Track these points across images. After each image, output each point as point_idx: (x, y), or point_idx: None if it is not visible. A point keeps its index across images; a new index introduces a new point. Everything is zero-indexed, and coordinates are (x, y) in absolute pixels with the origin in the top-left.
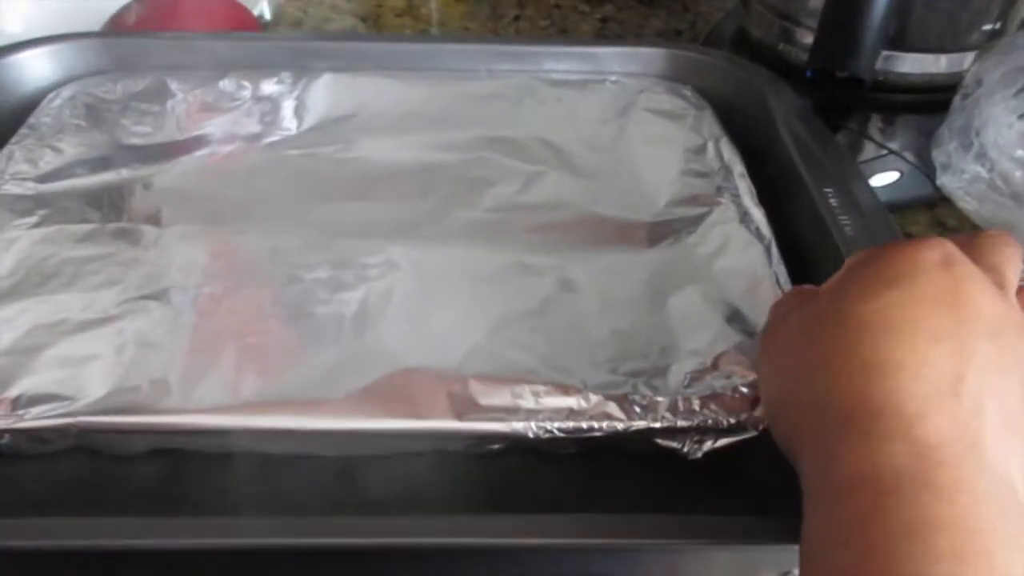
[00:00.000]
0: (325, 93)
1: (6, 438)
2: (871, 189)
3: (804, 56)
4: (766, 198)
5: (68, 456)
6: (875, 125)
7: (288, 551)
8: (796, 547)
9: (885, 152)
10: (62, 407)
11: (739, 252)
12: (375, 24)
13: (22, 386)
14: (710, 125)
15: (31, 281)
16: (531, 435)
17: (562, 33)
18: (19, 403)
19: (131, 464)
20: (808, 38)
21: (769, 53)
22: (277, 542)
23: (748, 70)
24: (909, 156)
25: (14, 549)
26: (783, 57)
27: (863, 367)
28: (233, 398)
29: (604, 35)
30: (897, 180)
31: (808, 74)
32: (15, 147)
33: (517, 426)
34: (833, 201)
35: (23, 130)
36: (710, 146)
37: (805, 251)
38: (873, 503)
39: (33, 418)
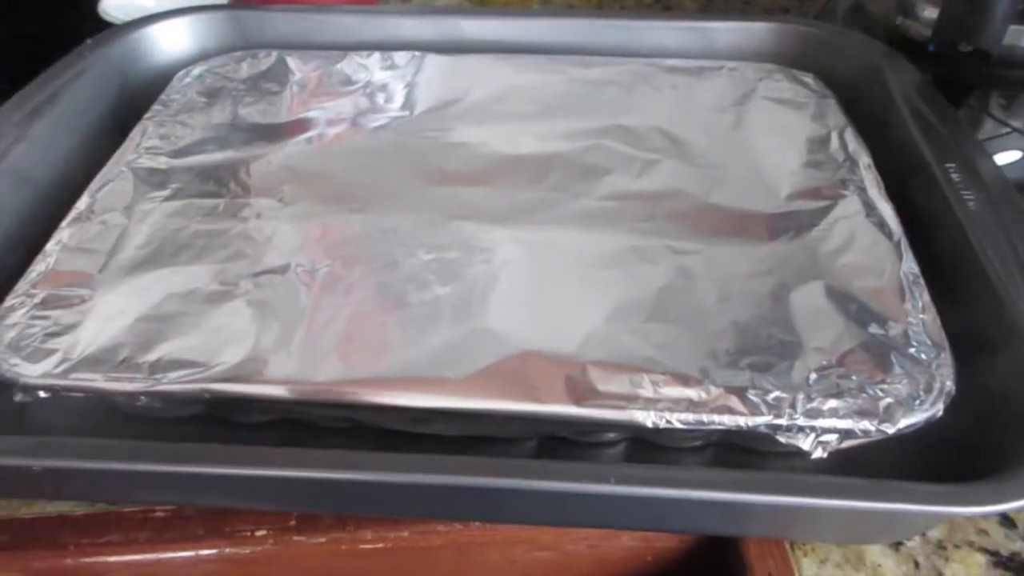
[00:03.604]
0: (438, 76)
1: (143, 400)
2: (995, 164)
3: (923, 30)
4: (883, 173)
5: (192, 422)
6: (996, 102)
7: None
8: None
9: (1007, 131)
10: (197, 373)
11: (866, 248)
12: (482, 0)
13: (160, 351)
14: (835, 114)
15: (165, 252)
16: (650, 424)
17: (667, 10)
18: (157, 367)
19: (251, 431)
20: (928, 11)
21: (885, 27)
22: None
23: (865, 44)
24: None
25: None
26: (901, 31)
27: None
28: (358, 373)
29: (710, 11)
30: (1019, 160)
31: (931, 47)
32: (149, 122)
33: (637, 415)
34: (955, 176)
35: (156, 106)
36: (834, 136)
37: (926, 228)
38: None
39: (170, 382)
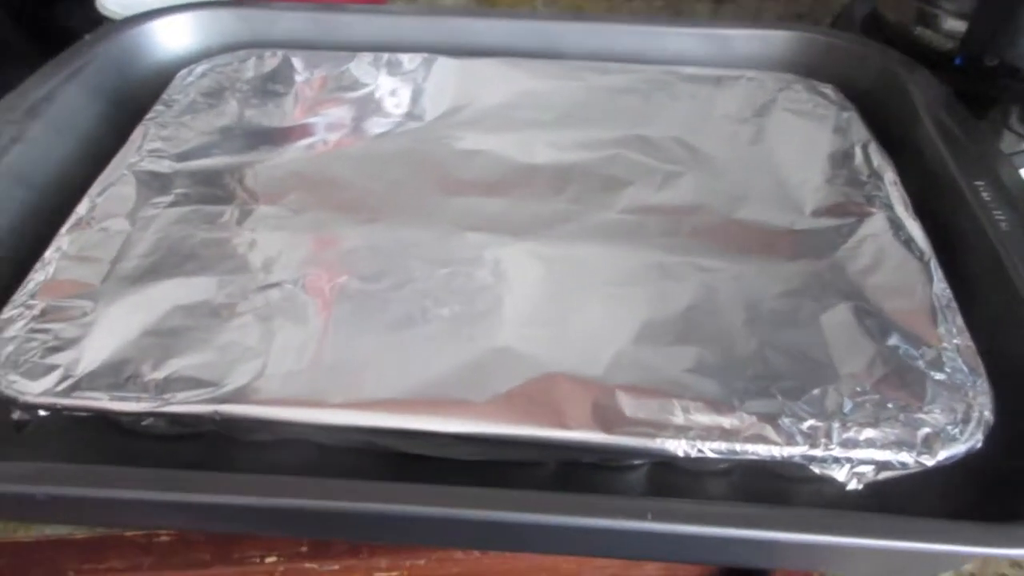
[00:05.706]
0: (449, 80)
1: (149, 420)
2: None
3: (943, 41)
4: (908, 189)
5: (195, 438)
6: (1017, 116)
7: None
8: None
9: None
10: (207, 393)
11: (895, 268)
12: (488, 1)
13: (167, 368)
14: (857, 128)
15: (170, 261)
16: (681, 454)
17: (677, 14)
18: (165, 385)
19: (258, 449)
20: (949, 23)
21: (904, 38)
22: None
23: (886, 54)
24: None
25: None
26: (920, 42)
27: None
28: (374, 394)
29: (721, 16)
30: None
31: (957, 61)
32: (150, 123)
33: (668, 444)
34: (985, 195)
35: (158, 107)
36: (858, 151)
37: (955, 248)
38: None
39: (179, 402)
